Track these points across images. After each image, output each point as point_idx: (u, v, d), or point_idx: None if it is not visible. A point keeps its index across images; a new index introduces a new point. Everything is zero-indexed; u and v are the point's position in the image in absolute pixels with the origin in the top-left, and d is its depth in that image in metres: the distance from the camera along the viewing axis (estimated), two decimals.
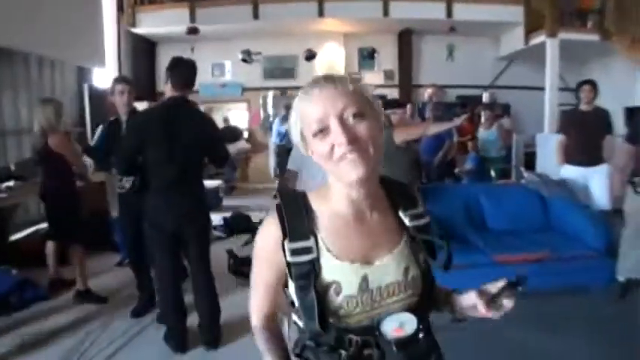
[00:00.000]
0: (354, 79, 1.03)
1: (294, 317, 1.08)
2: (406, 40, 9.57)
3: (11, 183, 4.23)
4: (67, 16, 5.93)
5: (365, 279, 1.01)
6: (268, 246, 1.04)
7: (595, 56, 8.79)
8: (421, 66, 9.78)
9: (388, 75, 9.76)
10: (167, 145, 2.84)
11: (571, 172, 4.59)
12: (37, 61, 5.80)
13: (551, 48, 7.89)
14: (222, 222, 5.99)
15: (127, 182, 3.25)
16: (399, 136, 3.58)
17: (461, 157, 6.95)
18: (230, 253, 4.37)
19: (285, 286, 1.08)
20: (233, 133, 9.18)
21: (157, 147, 2.85)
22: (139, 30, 8.66)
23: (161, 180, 2.89)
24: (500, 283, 1.05)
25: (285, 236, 1.00)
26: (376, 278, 1.01)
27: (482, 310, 1.04)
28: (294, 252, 0.99)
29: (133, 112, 3.53)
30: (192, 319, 3.15)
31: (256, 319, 1.16)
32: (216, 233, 5.51)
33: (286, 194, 1.08)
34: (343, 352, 1.00)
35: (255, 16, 8.30)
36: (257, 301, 1.14)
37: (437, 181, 6.00)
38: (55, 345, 3.15)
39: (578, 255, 3.78)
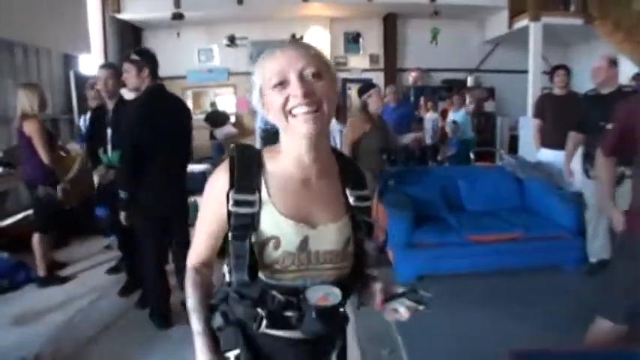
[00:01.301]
0: (314, 47, 1.10)
1: (224, 268, 1.14)
2: (391, 24, 9.60)
3: (0, 170, 4.27)
4: (51, 4, 5.94)
5: (306, 240, 1.06)
6: (215, 194, 1.08)
7: (578, 40, 8.89)
8: (406, 50, 9.83)
9: (373, 59, 9.81)
10: (161, 136, 2.92)
11: (547, 155, 4.70)
12: (22, 48, 5.81)
13: (535, 32, 7.97)
14: None
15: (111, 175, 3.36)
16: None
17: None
18: None
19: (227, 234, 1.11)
20: (220, 118, 9.22)
21: (153, 137, 2.91)
22: (124, 16, 8.62)
23: (152, 168, 2.96)
24: (401, 290, 1.11)
25: (231, 186, 1.05)
26: (316, 242, 1.07)
27: (377, 304, 1.11)
28: (237, 203, 1.04)
29: (120, 99, 3.55)
30: (174, 299, 3.27)
31: (193, 261, 1.20)
32: None
33: (241, 149, 1.12)
34: (263, 310, 1.06)
35: (239, 1, 8.31)
36: (197, 244, 1.19)
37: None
38: (46, 322, 3.26)
39: (551, 235, 3.96)
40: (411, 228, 3.77)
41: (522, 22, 8.18)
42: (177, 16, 8.24)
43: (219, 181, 1.08)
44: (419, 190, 4.26)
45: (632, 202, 2.05)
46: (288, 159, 1.10)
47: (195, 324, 1.14)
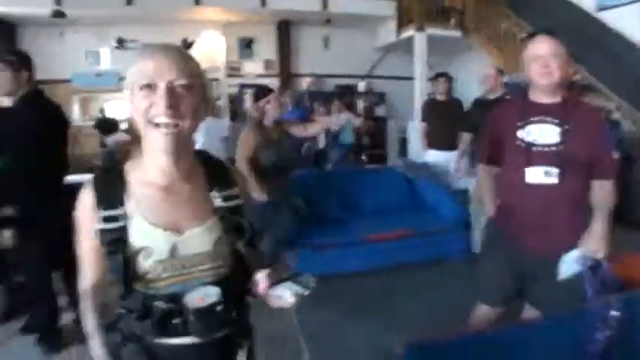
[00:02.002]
0: (191, 57, 1.11)
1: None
2: (285, 30, 9.71)
3: None
4: None
5: (175, 246, 1.08)
6: (83, 214, 1.09)
7: (458, 50, 9.55)
8: (300, 56, 9.97)
9: (268, 65, 9.84)
10: (32, 147, 2.73)
11: (433, 155, 5.03)
12: None
13: (419, 41, 8.49)
14: None
15: None
16: (297, 132, 3.70)
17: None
18: None
19: None
20: (110, 125, 8.74)
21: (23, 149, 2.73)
22: None
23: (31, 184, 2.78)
24: (285, 275, 1.14)
25: (96, 204, 1.06)
26: (186, 247, 1.09)
27: (261, 288, 1.12)
28: (105, 219, 1.05)
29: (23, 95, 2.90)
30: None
31: (85, 284, 1.17)
32: None
33: (103, 166, 1.15)
34: (150, 322, 1.06)
35: (128, 1, 7.97)
36: (84, 267, 1.16)
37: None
38: None
39: (438, 230, 4.22)
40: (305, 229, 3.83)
41: (409, 32, 8.66)
42: (58, 14, 7.67)
43: (84, 202, 1.08)
44: (317, 192, 4.36)
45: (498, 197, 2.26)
46: (150, 167, 1.11)
47: (97, 349, 1.13)
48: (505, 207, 2.16)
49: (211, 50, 9.39)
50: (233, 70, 9.69)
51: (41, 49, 8.13)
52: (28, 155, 2.70)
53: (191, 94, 1.04)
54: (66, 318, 3.08)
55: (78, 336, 2.91)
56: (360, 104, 9.59)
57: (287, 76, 9.79)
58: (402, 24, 8.95)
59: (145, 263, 1.06)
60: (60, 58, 8.58)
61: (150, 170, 1.11)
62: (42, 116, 2.82)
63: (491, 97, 4.12)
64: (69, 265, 2.92)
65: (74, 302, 2.95)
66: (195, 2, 8.28)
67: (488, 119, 2.30)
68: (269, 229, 3.31)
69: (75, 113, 9.04)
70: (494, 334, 1.72)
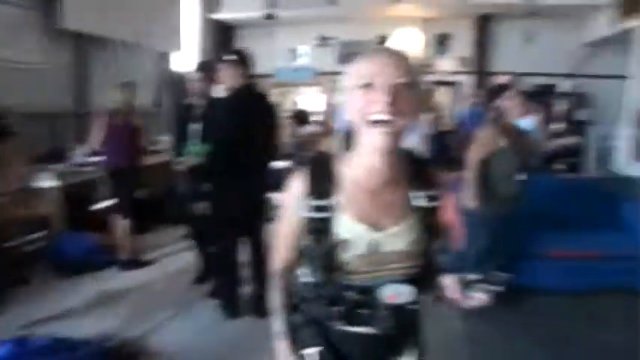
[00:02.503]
0: (408, 57, 1.12)
1: (301, 270, 1.22)
2: (483, 25, 9.28)
3: (96, 159, 4.62)
4: (149, 5, 6.39)
5: (374, 242, 1.13)
6: (292, 200, 1.18)
7: None
8: (498, 52, 9.43)
9: (463, 61, 9.52)
10: (241, 133, 3.05)
11: None
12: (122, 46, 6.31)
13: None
14: None
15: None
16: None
17: None
18: None
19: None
20: (304, 117, 9.37)
21: (231, 135, 3.06)
22: (219, 16, 9.02)
23: (232, 163, 3.09)
24: (474, 277, 1.13)
25: (307, 193, 1.14)
26: (384, 244, 1.13)
27: (452, 292, 1.12)
28: (314, 209, 1.13)
29: (208, 99, 3.71)
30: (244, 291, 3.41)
31: (278, 264, 1.30)
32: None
33: (315, 157, 1.22)
34: (339, 309, 1.15)
35: (332, 1, 8.40)
36: (281, 250, 1.28)
37: None
38: (122, 306, 3.51)
39: (631, 255, 3.60)
40: None
41: (632, 22, 7.48)
42: (269, 16, 8.50)
43: (295, 189, 1.17)
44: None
45: None
46: (359, 166, 1.15)
47: (278, 325, 1.24)
48: None
49: (407, 47, 9.44)
50: (426, 67, 9.59)
51: (252, 47, 9.07)
52: (232, 140, 3.05)
53: (409, 92, 1.05)
54: (247, 289, 3.40)
55: (256, 308, 3.27)
56: (558, 106, 8.68)
57: (482, 73, 9.36)
58: (625, 12, 7.78)
59: (344, 256, 1.12)
60: (267, 55, 9.44)
61: (358, 169, 1.15)
62: (247, 107, 3.15)
63: None
64: (257, 244, 3.27)
65: (258, 277, 3.26)
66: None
67: None
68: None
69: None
70: None
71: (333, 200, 1.12)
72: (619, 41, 8.02)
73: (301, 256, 1.22)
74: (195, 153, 3.72)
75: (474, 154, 3.16)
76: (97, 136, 4.16)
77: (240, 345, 2.98)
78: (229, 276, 3.34)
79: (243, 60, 3.20)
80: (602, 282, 3.58)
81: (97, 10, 5.38)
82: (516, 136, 3.22)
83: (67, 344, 2.67)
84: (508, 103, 3.14)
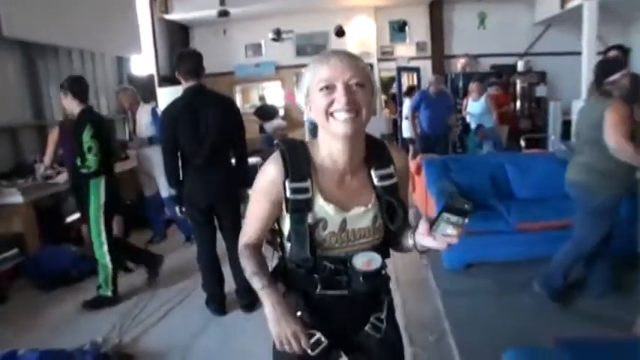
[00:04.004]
0: (359, 58, 1.23)
1: (285, 243, 1.30)
2: (437, 10, 9.49)
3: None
4: (104, 11, 6.27)
5: (344, 221, 1.26)
6: (269, 183, 1.25)
7: (638, 16, 8.43)
8: (453, 36, 9.68)
9: (420, 47, 9.72)
10: (193, 132, 3.06)
11: None
12: (79, 54, 6.17)
13: (589, 10, 7.58)
14: None
15: None
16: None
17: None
18: None
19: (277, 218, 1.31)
20: (269, 111, 9.39)
21: (186, 135, 3.07)
22: (171, 16, 8.93)
23: (193, 163, 3.13)
24: (438, 210, 1.14)
25: (286, 176, 1.22)
26: (352, 222, 1.26)
27: (423, 233, 1.15)
28: (294, 190, 1.21)
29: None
30: (231, 285, 3.44)
31: (245, 242, 1.35)
32: None
33: (289, 141, 1.29)
34: (318, 276, 1.27)
35: None
36: (250, 229, 1.34)
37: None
38: (110, 310, 3.51)
39: None
40: None
41: (576, 1, 7.82)
42: (223, 13, 8.47)
43: (273, 172, 1.24)
44: (467, 178, 4.24)
45: None
46: (326, 154, 1.25)
47: (257, 283, 1.27)
48: None
49: (363, 35, 9.57)
50: (385, 55, 9.75)
51: (208, 46, 9.15)
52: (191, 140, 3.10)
53: (364, 90, 1.17)
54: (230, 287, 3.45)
55: (243, 302, 3.32)
56: (518, 85, 8.99)
57: (440, 57, 9.57)
58: None
59: (322, 233, 1.24)
60: (224, 53, 9.50)
61: (327, 156, 1.25)
62: (202, 105, 3.15)
63: None
64: (234, 239, 3.30)
65: (240, 272, 3.30)
66: None
67: None
68: None
69: (237, 102, 9.93)
70: None
71: (309, 183, 1.22)
72: (568, 19, 8.34)
73: (279, 233, 1.34)
74: None
75: (618, 130, 2.74)
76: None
77: (231, 342, 3.02)
78: (210, 272, 3.37)
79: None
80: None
81: (46, 18, 5.18)
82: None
83: (62, 355, 2.66)
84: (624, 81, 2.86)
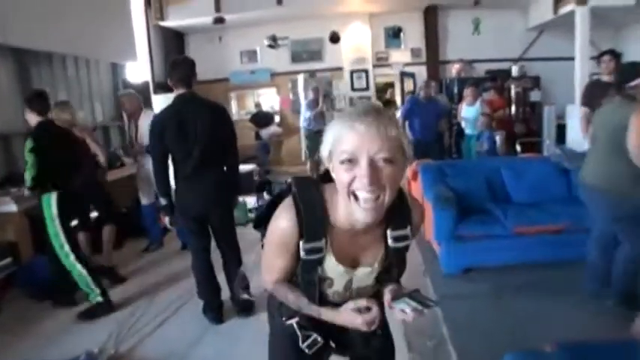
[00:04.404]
0: (396, 123, 1.08)
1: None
2: (432, 16, 9.51)
3: None
4: (99, 18, 6.25)
5: (350, 281, 1.28)
6: (285, 239, 1.20)
7: (629, 22, 8.49)
8: (448, 42, 9.71)
9: (415, 53, 9.74)
10: (182, 140, 3.03)
11: None
12: (73, 61, 6.14)
13: (581, 16, 7.66)
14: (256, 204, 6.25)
15: None
16: None
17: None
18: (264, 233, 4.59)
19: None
20: (265, 118, 9.37)
21: (174, 143, 3.04)
22: (167, 23, 8.91)
23: (184, 171, 3.10)
24: (406, 291, 1.23)
25: (301, 236, 1.17)
26: (357, 281, 1.29)
27: (387, 302, 1.24)
28: (308, 251, 1.18)
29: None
30: (227, 293, 3.41)
31: (272, 281, 1.33)
32: (251, 216, 5.72)
33: (303, 193, 1.18)
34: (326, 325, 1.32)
35: (279, 1, 8.43)
36: (272, 271, 1.31)
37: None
38: (108, 319, 3.46)
39: None
40: (454, 221, 3.76)
41: (568, 7, 7.87)
42: (219, 20, 8.47)
43: (287, 230, 1.19)
44: (463, 182, 4.24)
45: None
46: (343, 214, 1.16)
47: (315, 309, 1.30)
48: None
49: (359, 42, 9.59)
50: (380, 60, 9.77)
51: (203, 52, 9.22)
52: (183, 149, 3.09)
53: (392, 167, 1.04)
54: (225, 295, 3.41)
55: (239, 309, 3.29)
56: (513, 89, 9.02)
57: (435, 63, 9.59)
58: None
59: (327, 290, 1.28)
60: (219, 60, 9.52)
61: (341, 216, 1.17)
62: (191, 113, 3.12)
63: None
64: (228, 247, 3.28)
65: (233, 279, 3.28)
66: None
67: None
68: None
69: (233, 108, 9.95)
70: None
71: (323, 242, 1.18)
72: (561, 25, 8.39)
73: (290, 276, 1.32)
74: None
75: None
76: None
77: (228, 350, 2.99)
78: (205, 281, 3.33)
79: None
80: (571, 252, 3.68)
81: (39, 25, 5.16)
82: None
83: None
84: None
